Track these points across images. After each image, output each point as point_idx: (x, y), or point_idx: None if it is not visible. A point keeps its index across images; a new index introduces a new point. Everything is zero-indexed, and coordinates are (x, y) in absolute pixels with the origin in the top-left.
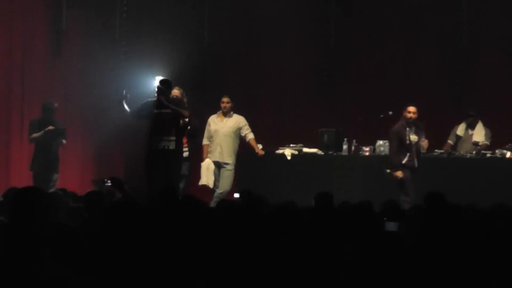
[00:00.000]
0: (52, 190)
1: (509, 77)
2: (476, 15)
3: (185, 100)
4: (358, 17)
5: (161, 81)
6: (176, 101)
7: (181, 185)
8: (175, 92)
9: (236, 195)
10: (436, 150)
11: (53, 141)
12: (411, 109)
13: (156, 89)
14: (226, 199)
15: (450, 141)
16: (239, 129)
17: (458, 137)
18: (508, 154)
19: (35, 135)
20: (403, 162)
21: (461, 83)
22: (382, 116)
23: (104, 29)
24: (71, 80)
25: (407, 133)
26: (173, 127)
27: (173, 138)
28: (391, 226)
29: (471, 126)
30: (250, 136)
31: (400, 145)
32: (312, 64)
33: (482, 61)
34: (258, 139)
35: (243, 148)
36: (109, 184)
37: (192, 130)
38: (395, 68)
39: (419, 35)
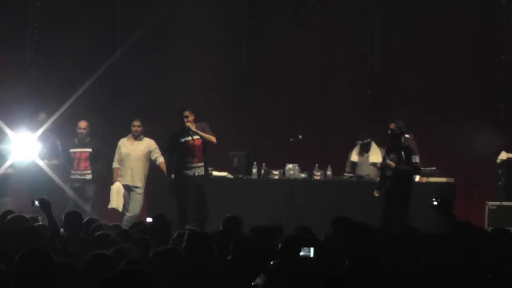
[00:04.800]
0: None
1: (419, 99)
2: (387, 38)
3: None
4: (269, 40)
5: (185, 108)
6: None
7: (87, 208)
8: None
9: (149, 219)
10: (345, 174)
11: None
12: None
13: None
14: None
15: (347, 169)
16: (150, 152)
17: (354, 163)
18: (417, 178)
19: None
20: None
21: (372, 107)
22: (291, 139)
23: (15, 51)
24: None
25: (385, 151)
26: (201, 153)
27: (202, 164)
28: (306, 251)
29: (365, 149)
30: (160, 159)
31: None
32: (222, 87)
33: (393, 83)
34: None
35: (153, 172)
36: (37, 205)
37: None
38: (306, 91)
39: (331, 58)
